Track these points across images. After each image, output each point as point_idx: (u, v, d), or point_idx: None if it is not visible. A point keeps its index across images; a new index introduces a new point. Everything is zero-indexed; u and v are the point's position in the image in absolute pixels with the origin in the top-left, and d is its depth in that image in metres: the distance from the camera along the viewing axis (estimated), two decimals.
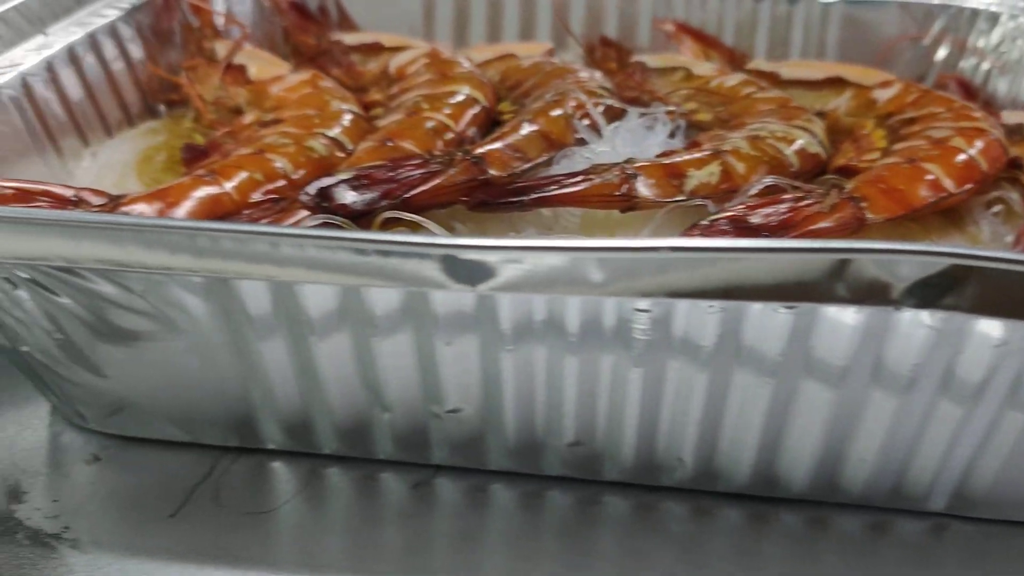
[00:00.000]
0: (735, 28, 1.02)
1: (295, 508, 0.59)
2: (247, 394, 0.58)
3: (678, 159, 0.66)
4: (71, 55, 0.78)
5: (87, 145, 0.78)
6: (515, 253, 0.43)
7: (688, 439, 0.57)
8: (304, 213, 0.64)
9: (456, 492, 0.61)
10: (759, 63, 0.89)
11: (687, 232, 0.60)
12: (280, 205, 0.65)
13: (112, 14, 0.85)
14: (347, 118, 0.75)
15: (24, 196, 0.62)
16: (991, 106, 0.86)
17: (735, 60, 0.91)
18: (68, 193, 0.64)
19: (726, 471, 0.58)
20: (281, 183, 0.68)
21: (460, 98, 0.75)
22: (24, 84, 0.72)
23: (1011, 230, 0.68)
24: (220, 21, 0.93)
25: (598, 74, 0.83)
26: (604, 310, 0.48)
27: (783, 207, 0.61)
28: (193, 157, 0.72)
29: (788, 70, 0.86)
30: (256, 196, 0.66)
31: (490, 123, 0.77)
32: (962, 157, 0.67)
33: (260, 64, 0.82)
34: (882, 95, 0.79)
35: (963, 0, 0.97)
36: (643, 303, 0.48)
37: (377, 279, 0.45)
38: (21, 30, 0.77)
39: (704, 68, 0.84)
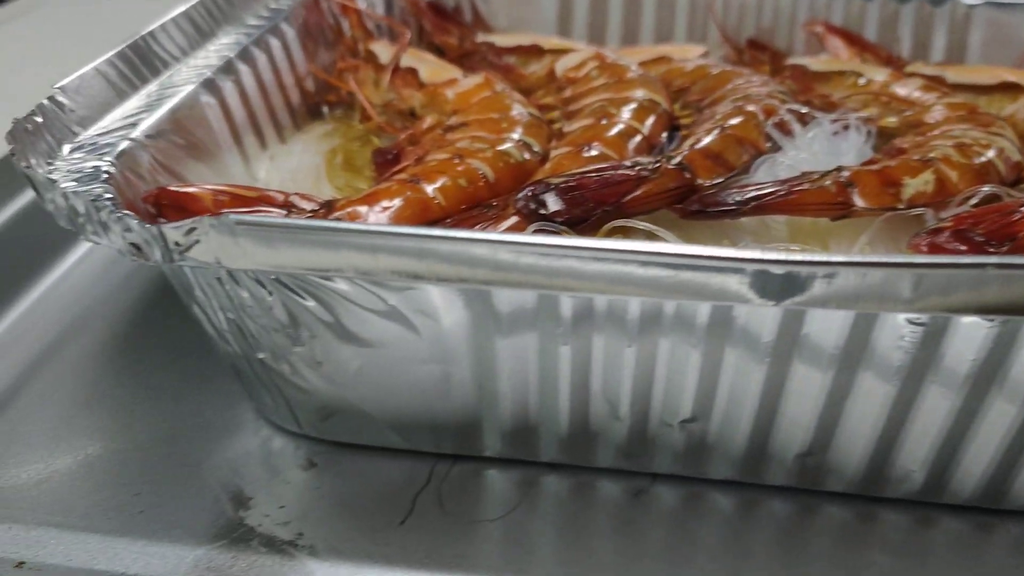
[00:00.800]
0: (878, 29, 1.01)
1: (522, 516, 0.59)
2: (477, 402, 0.58)
3: (891, 166, 0.65)
4: (246, 55, 0.78)
5: (265, 148, 0.78)
6: (831, 268, 0.42)
7: (924, 452, 0.56)
8: (514, 219, 0.63)
9: (674, 500, 0.61)
10: (919, 67, 0.88)
11: (913, 244, 0.60)
12: (493, 211, 0.64)
13: (271, 15, 0.85)
14: (531, 121, 0.74)
15: (242, 202, 0.62)
16: None
17: (891, 63, 0.90)
18: (280, 198, 0.64)
19: (955, 484, 0.58)
20: (482, 187, 0.67)
21: (643, 102, 0.75)
22: (213, 86, 0.72)
23: None
24: (369, 23, 0.93)
25: (767, 79, 0.82)
26: (876, 325, 0.48)
27: (1017, 216, 0.60)
28: (385, 162, 0.72)
29: (954, 74, 0.85)
30: (459, 200, 0.66)
31: (671, 127, 0.76)
32: None
33: (430, 67, 0.81)
34: None
35: None
36: (922, 317, 0.47)
37: (682, 294, 0.45)
38: (201, 30, 0.77)
39: (876, 72, 0.83)
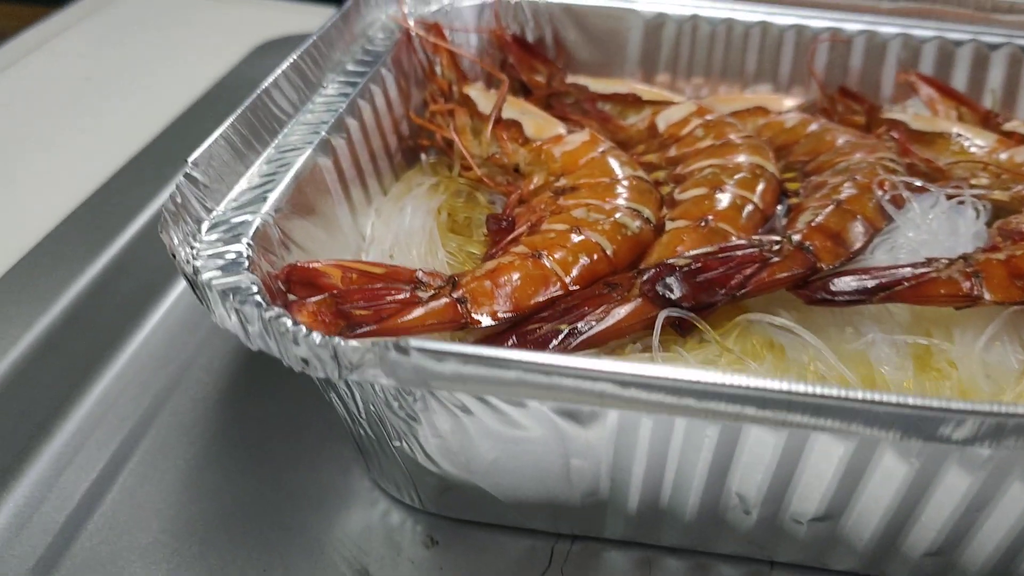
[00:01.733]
0: (969, 75, 0.99)
1: None
2: (607, 490, 0.58)
3: (1018, 256, 0.65)
4: (353, 109, 0.77)
5: (370, 201, 0.78)
6: None
7: None
8: (638, 301, 0.63)
9: None
10: (1018, 125, 0.87)
11: None
12: (618, 292, 0.64)
13: (370, 59, 0.84)
14: (642, 186, 0.74)
15: (371, 278, 0.62)
16: None
17: (988, 119, 0.89)
18: (406, 274, 0.64)
19: None
20: (601, 261, 0.67)
21: (753, 169, 0.75)
22: (328, 147, 0.72)
23: None
24: (465, 62, 0.92)
25: (875, 143, 0.81)
26: None
27: None
28: (499, 229, 0.72)
29: None
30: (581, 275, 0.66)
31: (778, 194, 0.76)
32: None
33: (533, 121, 0.81)
34: None
35: None
36: None
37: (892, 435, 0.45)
38: (308, 81, 0.77)
39: (980, 136, 0.82)
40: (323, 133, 0.72)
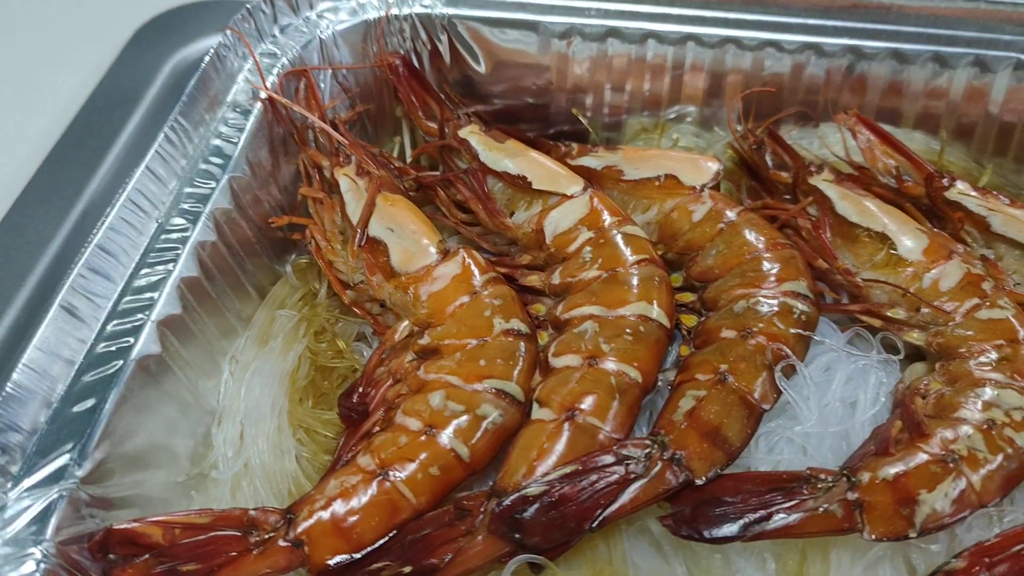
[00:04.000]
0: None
1: None
2: None
3: (907, 473, 0.58)
4: (200, 246, 0.69)
5: (224, 353, 0.71)
6: None
7: None
8: (487, 538, 0.59)
9: None
10: (962, 194, 0.77)
11: None
12: (466, 524, 0.59)
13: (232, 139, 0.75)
14: (511, 348, 0.66)
15: (197, 531, 0.58)
16: None
17: (931, 183, 0.79)
18: (237, 516, 0.59)
19: None
20: (456, 469, 0.62)
21: (640, 325, 0.67)
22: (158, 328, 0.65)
23: None
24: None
25: (788, 255, 0.72)
26: None
27: None
28: (350, 418, 0.66)
29: (1002, 222, 0.74)
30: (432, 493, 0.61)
31: (669, 345, 0.69)
32: None
33: (401, 245, 0.72)
34: None
35: None
36: None
37: None
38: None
39: (913, 238, 0.72)
40: (151, 319, 0.64)
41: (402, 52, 0.90)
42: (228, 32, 0.80)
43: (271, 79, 0.81)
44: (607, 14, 0.88)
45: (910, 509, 0.58)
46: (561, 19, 0.88)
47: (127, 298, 0.65)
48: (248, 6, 0.84)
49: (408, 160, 0.91)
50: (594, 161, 0.82)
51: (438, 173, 0.83)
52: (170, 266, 0.67)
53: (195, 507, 0.64)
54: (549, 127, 0.95)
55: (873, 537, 0.57)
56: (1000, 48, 0.84)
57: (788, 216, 0.78)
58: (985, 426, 0.61)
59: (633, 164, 0.81)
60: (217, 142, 0.75)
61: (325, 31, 0.87)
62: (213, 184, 0.73)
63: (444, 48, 0.91)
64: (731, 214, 0.75)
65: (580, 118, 0.93)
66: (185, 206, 0.71)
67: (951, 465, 0.59)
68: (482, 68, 0.91)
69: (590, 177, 0.80)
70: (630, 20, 0.88)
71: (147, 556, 0.57)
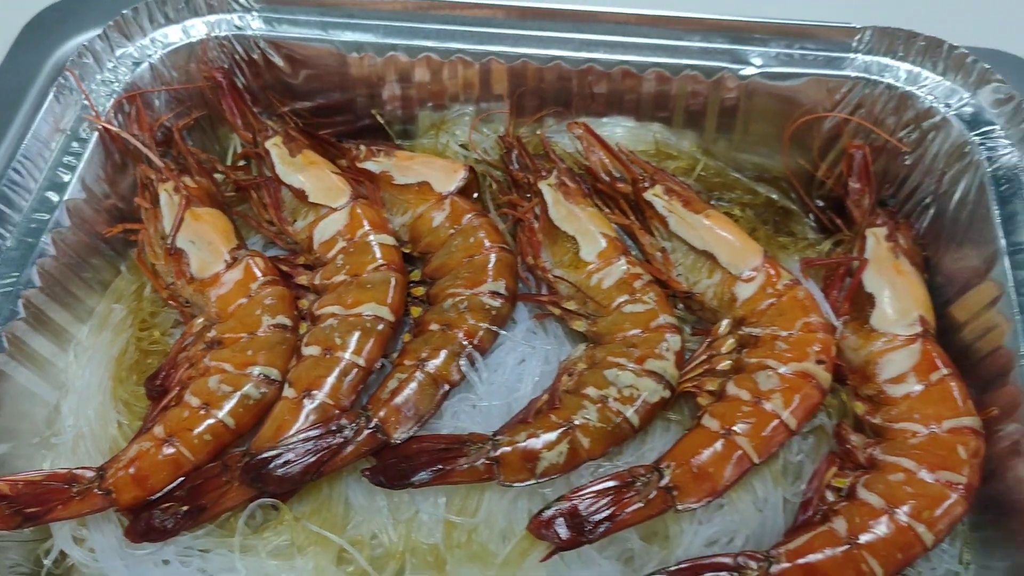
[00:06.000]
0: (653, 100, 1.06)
1: None
2: None
3: (533, 444, 0.81)
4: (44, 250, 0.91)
5: (67, 343, 0.94)
6: None
7: None
8: (237, 486, 0.83)
9: None
10: (655, 196, 0.96)
11: (533, 525, 0.79)
12: (227, 475, 0.84)
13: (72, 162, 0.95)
14: (275, 339, 0.89)
15: (34, 484, 0.82)
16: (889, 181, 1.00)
17: (635, 183, 0.98)
18: (65, 474, 0.83)
19: None
20: (226, 435, 0.85)
21: (369, 323, 0.88)
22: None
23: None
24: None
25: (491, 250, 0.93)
26: None
27: (604, 501, 0.79)
28: (153, 395, 0.89)
29: (676, 223, 0.94)
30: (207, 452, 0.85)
31: (397, 333, 0.91)
32: (774, 423, 0.82)
33: (199, 255, 0.93)
34: (743, 292, 0.89)
35: (878, 75, 1.00)
36: None
37: None
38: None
39: (590, 249, 0.92)
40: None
41: (224, 66, 1.08)
42: (67, 72, 0.99)
43: (107, 105, 1.00)
44: (389, 31, 1.05)
45: (533, 463, 0.81)
46: (353, 36, 1.05)
47: None
48: (85, 43, 1.02)
49: (231, 163, 1.11)
50: (374, 165, 1.01)
51: (253, 177, 1.03)
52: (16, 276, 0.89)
53: (47, 465, 0.89)
54: (358, 120, 1.13)
55: (506, 483, 0.81)
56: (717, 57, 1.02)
57: (519, 215, 0.98)
58: (601, 401, 0.83)
59: (400, 170, 1.00)
60: (59, 169, 0.95)
61: (155, 56, 1.05)
62: (57, 199, 0.94)
63: (259, 60, 1.08)
64: (465, 220, 0.95)
65: (378, 117, 1.12)
66: (33, 226, 0.92)
67: (568, 431, 0.82)
68: (293, 75, 1.09)
69: (371, 179, 1.01)
70: (408, 37, 1.05)
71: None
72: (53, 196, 0.94)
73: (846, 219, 1.03)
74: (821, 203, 1.08)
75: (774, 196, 1.08)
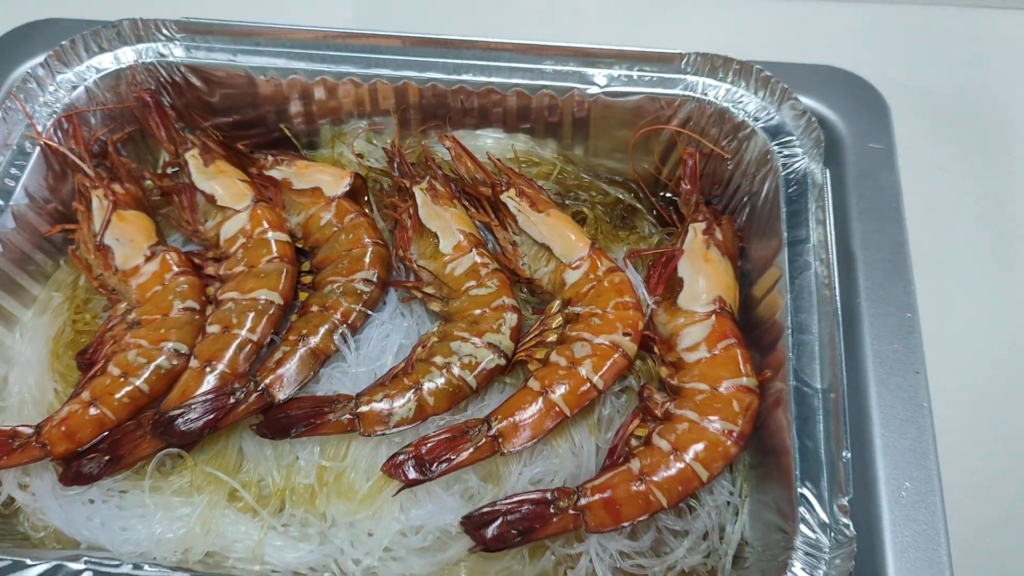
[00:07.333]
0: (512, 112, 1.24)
1: None
2: None
3: (387, 403, 1.00)
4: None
5: (13, 324, 1.13)
6: None
7: None
8: (149, 438, 1.02)
9: None
10: (509, 198, 1.15)
11: (386, 466, 0.98)
12: (140, 431, 1.02)
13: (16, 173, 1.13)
14: (185, 320, 1.08)
15: None
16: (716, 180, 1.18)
17: (494, 187, 1.16)
18: (9, 431, 1.02)
19: None
20: (141, 399, 1.04)
21: (260, 307, 1.07)
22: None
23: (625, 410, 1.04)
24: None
25: (364, 248, 1.11)
26: None
27: (442, 447, 0.98)
28: (83, 365, 1.08)
29: (523, 221, 1.13)
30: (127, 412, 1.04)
31: (286, 314, 1.09)
32: (584, 388, 1.00)
33: (122, 250, 1.11)
34: (570, 277, 1.08)
35: (701, 94, 1.18)
36: None
37: None
38: None
39: (446, 243, 1.10)
40: None
41: (151, 88, 1.26)
42: (11, 97, 1.17)
43: (48, 124, 1.18)
44: (291, 57, 1.24)
45: (387, 417, 1.00)
46: (259, 61, 1.24)
47: None
48: (29, 70, 1.20)
49: (159, 171, 1.29)
50: (277, 173, 1.20)
51: (175, 184, 1.22)
52: None
53: None
54: (270, 133, 1.32)
55: (365, 434, 1.00)
56: (568, 78, 1.20)
57: (396, 216, 1.17)
58: (445, 367, 1.02)
59: (298, 177, 1.19)
60: (5, 179, 1.14)
61: (90, 80, 1.23)
62: (3, 204, 1.12)
63: (181, 82, 1.26)
64: (348, 219, 1.14)
65: (285, 130, 1.30)
66: None
67: (416, 391, 1.01)
68: (211, 94, 1.27)
69: (275, 184, 1.19)
70: (307, 62, 1.23)
71: None
72: (0, 202, 1.12)
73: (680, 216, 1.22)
74: (667, 203, 1.27)
75: (621, 195, 1.26)
